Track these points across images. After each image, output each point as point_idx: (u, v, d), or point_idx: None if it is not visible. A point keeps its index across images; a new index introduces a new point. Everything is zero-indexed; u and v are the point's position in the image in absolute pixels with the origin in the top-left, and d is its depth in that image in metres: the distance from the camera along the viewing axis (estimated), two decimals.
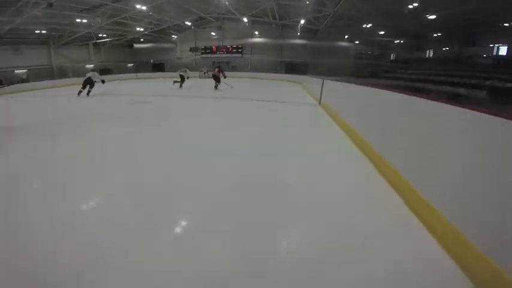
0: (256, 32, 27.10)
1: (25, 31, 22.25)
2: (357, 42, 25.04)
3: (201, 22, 27.96)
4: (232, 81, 14.89)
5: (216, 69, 14.09)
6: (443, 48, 21.16)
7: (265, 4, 18.35)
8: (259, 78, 24.63)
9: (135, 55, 33.17)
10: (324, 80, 8.82)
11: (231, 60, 29.12)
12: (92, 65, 29.41)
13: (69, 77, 24.41)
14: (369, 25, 19.68)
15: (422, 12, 14.85)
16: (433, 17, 14.86)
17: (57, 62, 27.15)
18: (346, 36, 24.66)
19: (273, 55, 27.49)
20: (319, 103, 8.98)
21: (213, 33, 28.95)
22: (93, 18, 21.95)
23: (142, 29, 26.28)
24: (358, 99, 5.11)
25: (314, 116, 7.75)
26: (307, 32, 24.44)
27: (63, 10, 18.95)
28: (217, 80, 13.73)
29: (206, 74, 24.68)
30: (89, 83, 11.60)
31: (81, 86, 11.74)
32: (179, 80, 14.81)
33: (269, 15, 21.42)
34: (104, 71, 30.09)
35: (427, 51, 22.22)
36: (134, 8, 19.44)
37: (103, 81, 12.40)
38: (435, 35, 19.65)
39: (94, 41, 28.15)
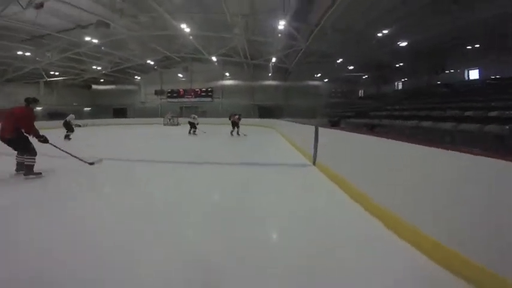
0: (227, 74, 25.77)
1: None
2: (326, 80, 24.16)
3: (167, 63, 26.29)
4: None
5: (236, 116, 13.40)
6: (408, 79, 20.00)
7: (235, 42, 16.90)
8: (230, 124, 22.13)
9: (94, 98, 30.09)
10: (319, 129, 5.48)
11: (200, 104, 26.92)
12: (39, 108, 25.67)
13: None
14: (339, 60, 18.72)
15: (391, 40, 13.96)
16: (403, 44, 13.91)
17: None
18: (317, 75, 23.82)
19: (245, 98, 25.86)
20: (314, 162, 5.43)
21: (180, 75, 27.20)
22: (40, 52, 19.08)
23: (99, 68, 23.70)
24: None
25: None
26: (278, 71, 23.43)
27: (1, 39, 16.10)
28: (236, 125, 13.35)
29: (171, 120, 22.02)
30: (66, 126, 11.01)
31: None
32: (193, 128, 14.05)
33: (240, 54, 20.11)
34: (54, 115, 26.47)
35: (395, 83, 21.36)
36: (86, 42, 16.95)
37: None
38: (400, 64, 18.70)
39: (45, 80, 24.98)
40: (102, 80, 28.69)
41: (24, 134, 4.35)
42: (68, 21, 14.36)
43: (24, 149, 4.33)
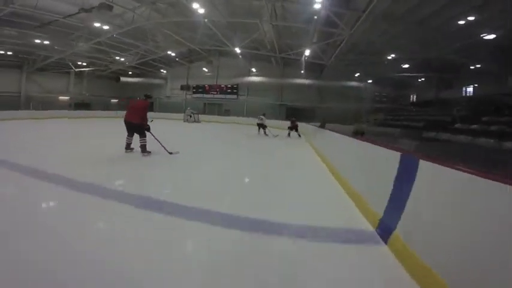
0: (254, 69, 23.38)
1: None
2: (369, 81, 20.49)
3: (193, 57, 24.80)
4: (224, 131, 13.34)
5: (293, 119, 13.55)
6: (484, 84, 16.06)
7: (262, 31, 14.39)
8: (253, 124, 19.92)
9: (122, 90, 29.68)
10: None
11: (224, 102, 25.02)
12: (66, 97, 26.02)
13: (29, 109, 20.50)
14: (391, 56, 15.31)
15: (471, 31, 10.42)
16: (490, 36, 10.24)
17: (28, 90, 23.55)
18: (358, 74, 20.29)
19: (272, 97, 23.27)
20: (387, 236, 2.24)
21: (205, 69, 25.49)
22: (60, 41, 18.48)
23: (123, 59, 22.86)
24: None
25: None
26: (312, 69, 20.45)
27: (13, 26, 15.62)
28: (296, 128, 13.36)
29: (192, 117, 20.33)
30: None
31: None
32: (263, 130, 13.57)
33: (267, 46, 17.58)
34: (80, 106, 26.56)
35: (464, 89, 17.03)
36: (103, 30, 15.85)
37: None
38: (476, 66, 14.80)
39: (74, 70, 24.98)
40: (130, 73, 28.27)
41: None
42: (70, 3, 13.18)
43: (142, 132, 5.59)
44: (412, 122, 11.59)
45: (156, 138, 5.98)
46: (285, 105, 23.04)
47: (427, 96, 18.26)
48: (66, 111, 22.19)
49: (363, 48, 15.23)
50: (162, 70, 27.47)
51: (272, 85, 22.82)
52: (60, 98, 25.19)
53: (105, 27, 14.94)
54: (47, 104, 22.03)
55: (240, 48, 17.92)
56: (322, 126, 12.60)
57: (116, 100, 29.70)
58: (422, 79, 18.46)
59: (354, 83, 20.58)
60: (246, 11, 13.32)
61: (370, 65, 17.27)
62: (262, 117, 13.52)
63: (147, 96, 6.09)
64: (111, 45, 20.16)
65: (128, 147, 5.84)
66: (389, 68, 17.02)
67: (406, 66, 15.91)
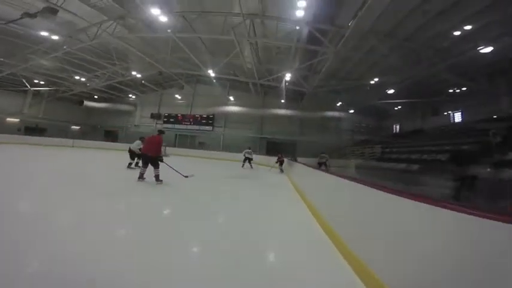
0: (232, 98, 21.68)
1: None
2: (351, 110, 19.14)
3: (168, 83, 23.04)
4: (199, 166, 11.34)
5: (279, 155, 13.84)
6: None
7: (239, 48, 12.90)
8: (232, 160, 17.57)
9: (85, 115, 26.85)
10: None
11: (198, 134, 22.72)
12: (16, 119, 22.67)
13: None
14: (374, 81, 14.12)
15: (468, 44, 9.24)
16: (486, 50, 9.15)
17: None
18: (339, 103, 18.93)
19: (252, 129, 21.34)
20: None
21: (177, 96, 23.56)
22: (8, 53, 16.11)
23: (83, 79, 20.53)
24: None
25: None
26: (292, 98, 19.26)
27: None
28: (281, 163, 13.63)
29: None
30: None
31: None
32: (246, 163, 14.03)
33: (245, 71, 16.14)
34: (33, 130, 23.18)
35: (451, 114, 15.85)
36: (56, 41, 13.85)
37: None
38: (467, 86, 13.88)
39: (32, 89, 22.14)
40: (96, 97, 25.73)
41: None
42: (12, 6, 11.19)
43: (157, 164, 6.31)
44: (431, 155, 9.66)
45: (170, 167, 7.01)
46: (265, 138, 21.09)
47: (411, 125, 17.05)
48: (19, 135, 19.09)
49: (346, 72, 14.22)
50: (131, 95, 25.19)
51: (251, 116, 21.09)
52: (8, 119, 21.80)
53: (54, 37, 12.85)
54: None
55: (217, 73, 16.27)
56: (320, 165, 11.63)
57: (78, 127, 26.61)
58: (407, 107, 17.30)
59: (334, 113, 19.19)
60: (222, 29, 11.88)
61: (352, 91, 16.05)
62: (249, 150, 14.15)
63: (161, 132, 6.82)
64: (72, 63, 17.99)
65: (141, 176, 6.34)
66: (372, 95, 15.81)
67: (391, 91, 14.63)
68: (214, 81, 20.13)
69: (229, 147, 20.51)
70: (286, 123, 19.69)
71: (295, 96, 19.04)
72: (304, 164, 8.91)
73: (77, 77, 20.09)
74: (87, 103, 25.22)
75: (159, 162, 6.31)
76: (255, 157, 14.93)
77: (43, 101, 24.29)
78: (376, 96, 15.65)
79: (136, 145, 9.15)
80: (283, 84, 15.44)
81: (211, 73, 15.90)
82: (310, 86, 15.81)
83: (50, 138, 20.79)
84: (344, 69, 14.90)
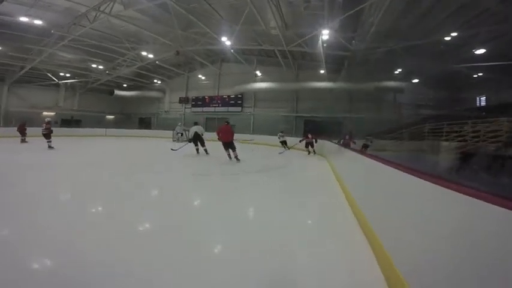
0: (259, 73, 18.79)
1: None
2: (415, 80, 14.67)
3: (192, 65, 21.08)
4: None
5: (309, 135, 11.59)
6: None
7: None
8: (264, 144, 15.40)
9: (116, 104, 26.57)
10: None
11: (228, 116, 20.59)
12: (51, 113, 23.19)
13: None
14: (451, 36, 9.99)
15: None
16: None
17: (10, 105, 20.85)
18: (399, 70, 14.66)
19: (285, 108, 18.46)
20: None
21: (201, 77, 21.59)
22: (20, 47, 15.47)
23: (101, 67, 19.53)
24: None
25: None
26: (335, 70, 15.57)
27: None
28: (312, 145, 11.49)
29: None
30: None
31: None
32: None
33: (272, 40, 13.27)
34: (69, 122, 23.70)
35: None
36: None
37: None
38: None
39: (60, 82, 22.14)
40: (125, 85, 25.09)
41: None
42: None
43: (235, 147, 8.29)
44: None
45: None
46: (301, 117, 18.09)
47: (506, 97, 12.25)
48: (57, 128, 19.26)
49: (409, 26, 10.27)
50: (157, 81, 23.95)
51: (284, 93, 18.08)
52: (45, 113, 22.30)
53: (37, 21, 11.42)
54: (31, 121, 19.23)
55: (238, 44, 13.64)
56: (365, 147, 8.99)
57: (112, 116, 26.68)
58: (497, 73, 12.26)
59: (392, 83, 15.08)
60: None
61: (417, 52, 11.97)
62: (282, 134, 13.59)
63: (228, 122, 9.14)
64: (88, 52, 16.93)
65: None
66: (447, 58, 11.54)
67: (480, 52, 10.32)
68: (238, 57, 17.61)
69: (260, 129, 18.20)
70: (328, 98, 16.28)
71: (339, 67, 15.37)
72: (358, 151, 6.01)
73: (95, 65, 19.24)
74: (117, 92, 24.87)
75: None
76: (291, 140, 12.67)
77: (76, 94, 24.53)
78: (454, 59, 11.38)
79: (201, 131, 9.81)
80: (320, 49, 12.12)
81: (227, 43, 13.21)
82: (358, 49, 12.28)
83: (86, 129, 20.82)
84: (405, 22, 10.95)
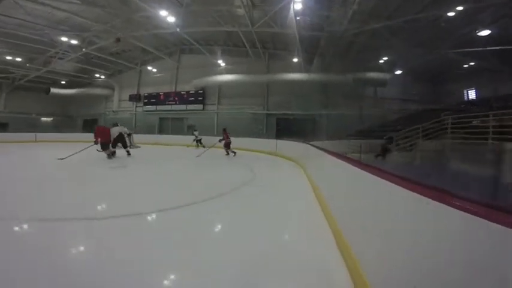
0: (223, 64, 16.13)
1: None
2: (398, 71, 12.87)
3: (146, 58, 17.94)
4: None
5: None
6: None
7: None
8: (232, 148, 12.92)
9: (57, 105, 22.41)
10: None
11: (187, 116, 17.69)
12: None
13: None
14: (455, 11, 8.15)
15: None
16: None
17: None
18: (384, 58, 12.75)
19: (255, 104, 15.98)
20: None
21: (155, 70, 18.48)
22: None
23: (19, 59, 15.78)
24: None
25: None
26: (310, 59, 13.43)
27: None
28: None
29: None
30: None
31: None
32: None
33: (236, 21, 10.89)
34: None
35: None
36: None
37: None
38: None
39: None
40: (63, 82, 21.05)
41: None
42: None
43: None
44: None
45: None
46: (273, 115, 15.70)
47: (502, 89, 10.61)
48: None
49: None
50: (101, 76, 20.37)
51: (253, 87, 15.58)
52: None
53: None
54: None
55: (196, 29, 11.03)
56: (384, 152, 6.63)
57: (50, 118, 22.39)
58: (492, 62, 10.61)
59: (374, 75, 13.20)
60: None
61: (405, 38, 10.10)
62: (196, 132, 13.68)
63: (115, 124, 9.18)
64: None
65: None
66: (441, 40, 9.74)
67: (484, 33, 8.62)
68: (200, 48, 14.97)
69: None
70: (303, 92, 14.02)
71: (312, 56, 13.21)
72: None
73: (9, 57, 15.36)
74: (54, 90, 20.76)
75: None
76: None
77: (2, 93, 20.11)
78: (450, 42, 9.55)
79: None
80: (292, 26, 9.80)
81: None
82: (337, 32, 10.17)
83: (12, 134, 16.74)
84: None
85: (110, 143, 8.33)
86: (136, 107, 19.43)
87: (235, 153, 10.24)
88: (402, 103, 12.95)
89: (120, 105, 20.49)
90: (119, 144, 8.97)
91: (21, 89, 20.49)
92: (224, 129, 10.63)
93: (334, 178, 3.54)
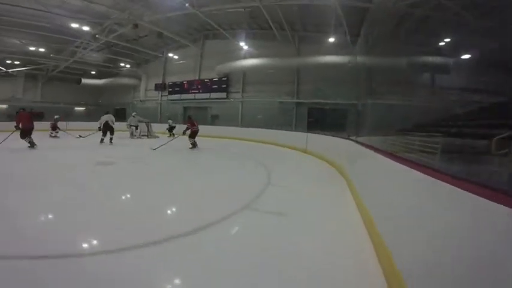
0: (245, 46, 14.39)
1: None
2: (465, 55, 10.11)
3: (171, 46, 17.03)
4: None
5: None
6: None
7: None
8: (256, 141, 11.69)
9: (90, 95, 22.98)
10: None
11: (211, 105, 16.58)
12: (3, 106, 19.55)
13: None
14: None
15: None
16: None
17: None
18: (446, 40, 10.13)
19: (283, 91, 14.24)
20: None
21: (180, 59, 17.43)
22: None
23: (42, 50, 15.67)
24: None
25: None
26: (350, 41, 11.31)
27: None
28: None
29: (138, 130, 12.48)
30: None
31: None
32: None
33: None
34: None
35: None
36: None
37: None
38: None
39: (9, 71, 18.38)
40: (93, 72, 21.28)
41: None
42: None
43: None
44: None
45: None
46: (304, 104, 13.87)
47: None
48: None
49: None
50: (126, 65, 20.06)
51: (281, 72, 13.78)
52: None
53: None
54: None
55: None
56: None
57: (83, 108, 22.92)
58: None
59: (433, 59, 10.63)
60: None
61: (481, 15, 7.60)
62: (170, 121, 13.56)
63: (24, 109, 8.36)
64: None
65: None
66: None
67: None
68: (223, 32, 13.56)
69: (251, 119, 14.27)
70: (341, 77, 11.95)
71: (354, 35, 11.04)
72: None
73: (33, 48, 15.46)
74: (85, 81, 21.17)
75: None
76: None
77: (38, 84, 20.94)
78: None
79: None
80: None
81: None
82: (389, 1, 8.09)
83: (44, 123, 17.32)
84: None
85: (31, 131, 7.81)
86: (161, 96, 18.81)
87: (194, 145, 9.24)
88: (468, 94, 10.36)
89: (146, 95, 20.17)
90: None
91: (55, 80, 21.21)
92: (189, 117, 9.62)
93: (421, 218, 1.87)
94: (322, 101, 12.96)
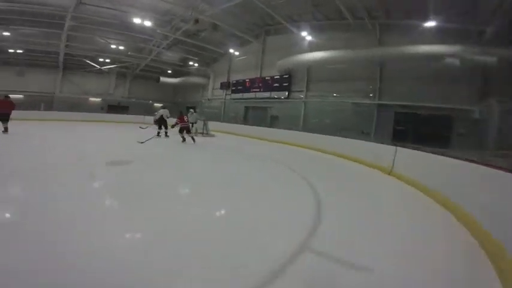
0: (309, 37, 11.93)
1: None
2: None
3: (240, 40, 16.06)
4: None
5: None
6: None
7: None
8: (321, 150, 9.19)
9: (166, 93, 24.91)
10: None
11: (271, 105, 14.86)
12: (97, 99, 22.39)
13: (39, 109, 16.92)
14: None
15: None
16: None
17: (63, 91, 20.71)
18: None
19: (358, 90, 11.23)
20: None
21: (242, 56, 16.36)
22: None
23: (122, 48, 16.71)
24: None
25: None
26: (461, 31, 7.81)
27: None
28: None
29: (193, 127, 11.99)
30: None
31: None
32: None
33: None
34: (114, 108, 21.95)
35: None
36: None
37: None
38: None
39: (102, 68, 20.89)
40: (169, 71, 22.67)
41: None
42: None
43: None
44: None
45: None
46: (388, 106, 10.59)
47: None
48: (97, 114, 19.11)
49: None
50: (196, 65, 20.44)
51: (354, 67, 10.90)
52: (91, 99, 21.68)
53: None
54: (75, 106, 19.48)
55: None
56: None
57: (161, 104, 24.69)
58: None
59: None
60: None
61: None
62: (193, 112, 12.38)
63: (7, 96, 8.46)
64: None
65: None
66: None
67: None
68: (286, 25, 11.66)
69: (314, 123, 11.92)
70: (444, 73, 8.35)
71: (465, 26, 7.52)
72: None
73: (114, 46, 16.71)
74: (163, 79, 22.85)
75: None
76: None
77: (127, 81, 23.58)
78: None
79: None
80: None
81: None
82: None
83: (130, 116, 19.59)
84: None
85: (7, 117, 8.15)
86: (226, 94, 18.22)
87: (184, 139, 9.30)
88: None
89: (213, 94, 20.14)
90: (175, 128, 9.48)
91: (139, 78, 23.51)
92: (180, 112, 10.12)
93: None
94: (413, 104, 9.56)
